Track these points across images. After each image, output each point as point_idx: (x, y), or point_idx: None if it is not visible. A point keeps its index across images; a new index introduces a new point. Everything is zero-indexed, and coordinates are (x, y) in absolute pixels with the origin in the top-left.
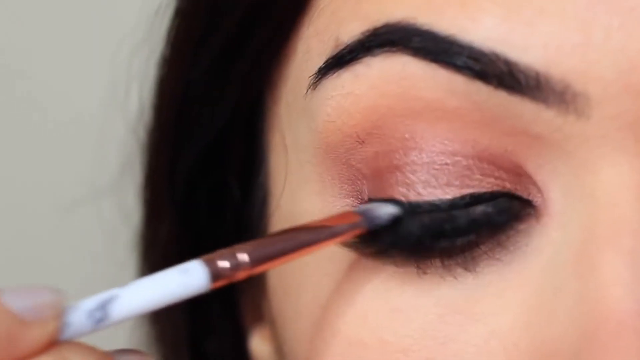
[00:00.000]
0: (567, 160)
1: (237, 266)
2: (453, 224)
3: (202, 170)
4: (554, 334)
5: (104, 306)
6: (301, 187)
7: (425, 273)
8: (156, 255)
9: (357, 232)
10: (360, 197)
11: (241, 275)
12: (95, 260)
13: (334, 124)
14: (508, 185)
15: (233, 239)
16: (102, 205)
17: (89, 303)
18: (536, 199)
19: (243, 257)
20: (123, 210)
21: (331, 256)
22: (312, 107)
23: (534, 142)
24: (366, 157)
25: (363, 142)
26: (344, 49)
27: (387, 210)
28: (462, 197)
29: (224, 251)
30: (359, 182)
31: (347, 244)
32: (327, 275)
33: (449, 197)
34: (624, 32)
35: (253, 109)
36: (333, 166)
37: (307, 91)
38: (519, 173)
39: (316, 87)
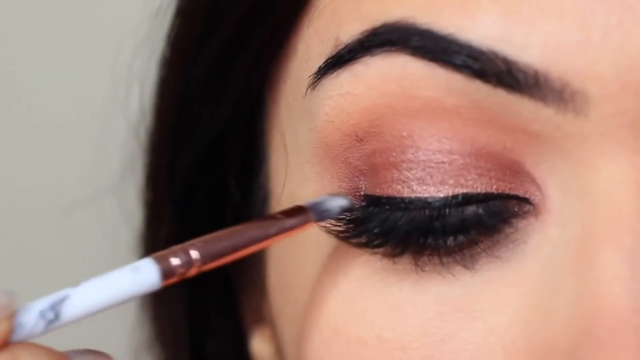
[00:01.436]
0: (566, 158)
1: (188, 263)
2: (443, 221)
3: (202, 170)
4: (552, 331)
5: (54, 306)
6: (301, 186)
7: (423, 270)
8: None
9: (307, 225)
10: (357, 193)
11: (192, 272)
12: (96, 261)
13: (332, 124)
14: (503, 186)
15: None
16: (103, 205)
17: (41, 304)
18: (534, 196)
19: (194, 253)
20: (124, 210)
21: (329, 254)
22: (312, 107)
23: (532, 139)
24: (364, 155)
25: (362, 140)
26: (343, 49)
27: (336, 203)
28: (455, 196)
29: (175, 248)
30: (356, 179)
31: (333, 233)
32: (325, 273)
33: (441, 195)
34: (623, 31)
35: (253, 109)
36: (332, 165)
37: (307, 91)
38: (517, 170)
39: (315, 87)
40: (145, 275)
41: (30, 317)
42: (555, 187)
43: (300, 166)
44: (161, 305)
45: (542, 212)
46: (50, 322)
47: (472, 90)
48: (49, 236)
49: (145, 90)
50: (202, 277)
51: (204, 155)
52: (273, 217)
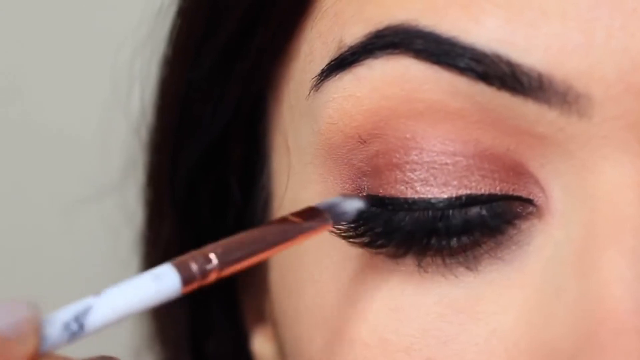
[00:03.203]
0: (569, 160)
1: (207, 269)
2: (446, 222)
3: (204, 170)
4: (555, 332)
5: (78, 318)
6: (304, 188)
7: (426, 272)
8: (158, 255)
9: (324, 228)
10: (360, 194)
11: (212, 277)
12: (98, 260)
13: (335, 126)
14: (507, 187)
15: None
16: (105, 205)
17: (64, 315)
18: (538, 198)
19: (213, 259)
20: (126, 210)
21: (332, 255)
22: (314, 109)
23: (536, 142)
24: (367, 156)
25: (365, 142)
26: (346, 52)
27: (353, 206)
28: (459, 197)
29: (194, 254)
30: (359, 180)
31: (336, 232)
32: (327, 274)
33: (445, 196)
34: (626, 33)
35: (255, 110)
36: (335, 167)
37: (310, 93)
38: (521, 172)
39: (318, 89)
40: (166, 282)
41: (55, 330)
42: (558, 189)
43: (303, 167)
44: (161, 306)
45: (546, 214)
46: (74, 334)
47: (475, 92)
48: (51, 235)
49: (147, 91)
50: None
51: (206, 155)
52: (289, 220)
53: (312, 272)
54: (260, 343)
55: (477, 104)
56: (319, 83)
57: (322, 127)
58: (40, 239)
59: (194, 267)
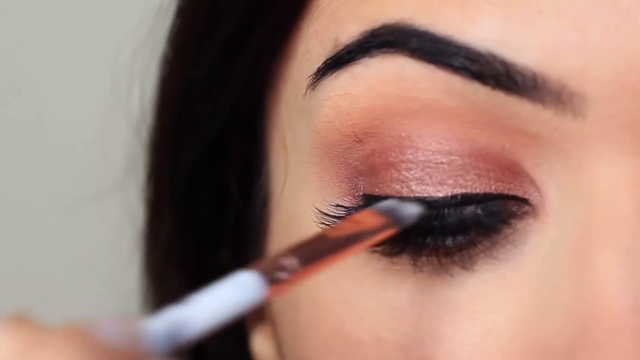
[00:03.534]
0: (564, 160)
1: (284, 275)
2: (442, 221)
3: (203, 170)
4: (550, 331)
5: (178, 331)
6: (301, 187)
7: (421, 271)
8: (158, 254)
9: (389, 233)
10: (356, 193)
11: (289, 282)
12: (99, 259)
13: (332, 124)
14: (502, 186)
15: (234, 239)
16: (107, 204)
17: (162, 329)
18: (533, 197)
19: (289, 264)
20: (127, 209)
21: None
22: (311, 107)
23: (531, 141)
24: (363, 155)
25: (360, 141)
26: (342, 50)
27: (412, 211)
28: (454, 196)
29: (275, 258)
30: (355, 179)
31: None
32: (324, 273)
33: (440, 195)
34: (621, 32)
35: (254, 110)
36: (331, 166)
37: (306, 91)
38: (516, 171)
39: (315, 87)
40: (253, 291)
41: (157, 344)
42: (554, 188)
43: (300, 166)
44: (162, 304)
45: (541, 213)
46: (173, 346)
47: (470, 92)
48: (52, 234)
49: (148, 90)
50: (203, 276)
51: (205, 155)
52: (352, 224)
53: None
54: (260, 343)
55: (472, 103)
56: (315, 81)
57: (319, 125)
58: (41, 237)
59: (277, 273)
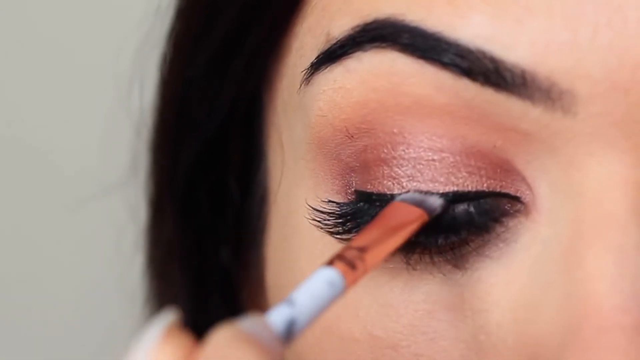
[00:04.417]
0: (555, 157)
1: (358, 266)
2: (434, 219)
3: (202, 168)
4: (541, 329)
5: (289, 330)
6: (296, 183)
7: (414, 269)
8: (161, 252)
9: (422, 220)
10: (348, 190)
11: (359, 271)
12: (102, 257)
13: (325, 118)
14: (494, 184)
15: (233, 237)
16: (110, 203)
17: (283, 328)
18: (525, 195)
19: (356, 254)
20: (130, 208)
21: (322, 252)
22: (305, 102)
23: (522, 138)
24: (356, 151)
25: (352, 136)
26: (335, 44)
27: (437, 202)
28: (446, 194)
29: (344, 252)
30: (347, 176)
31: (324, 229)
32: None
33: (432, 192)
34: (611, 30)
35: (251, 108)
36: (325, 162)
37: (301, 86)
38: (508, 169)
39: (309, 82)
40: (338, 287)
41: (280, 345)
42: (545, 186)
43: (296, 163)
44: (164, 301)
45: (533, 211)
46: (286, 342)
47: (460, 88)
48: (56, 232)
49: (151, 89)
50: (203, 273)
51: (204, 154)
52: (391, 215)
53: (304, 269)
54: None
55: (462, 99)
56: (309, 76)
57: (313, 120)
58: (44, 236)
59: (347, 265)
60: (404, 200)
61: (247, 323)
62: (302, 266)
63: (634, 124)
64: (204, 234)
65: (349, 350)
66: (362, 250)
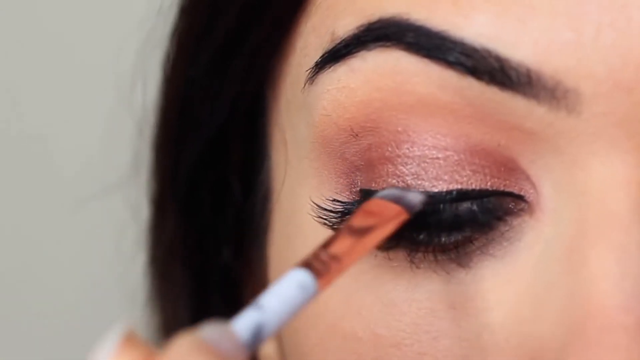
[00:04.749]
0: (559, 156)
1: (328, 269)
2: (437, 217)
3: (205, 168)
4: (543, 329)
5: (256, 336)
6: (300, 182)
7: (418, 268)
8: (162, 251)
9: (402, 220)
10: (353, 189)
11: (334, 272)
12: (104, 256)
13: (329, 118)
14: (498, 183)
15: (236, 237)
16: (112, 202)
17: (249, 334)
18: (529, 194)
19: (330, 257)
20: (132, 207)
21: None
22: (309, 101)
23: (526, 137)
24: (360, 150)
25: (357, 135)
26: (339, 43)
27: (417, 198)
28: (449, 192)
29: (313, 256)
30: (352, 174)
31: (328, 225)
32: None
33: (436, 190)
34: (615, 29)
35: (254, 108)
36: (329, 160)
37: (305, 86)
38: (512, 168)
39: (313, 81)
40: (310, 289)
41: (247, 350)
42: (549, 185)
43: (299, 162)
44: (165, 301)
45: (537, 210)
46: (254, 349)
47: (465, 87)
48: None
49: (153, 87)
50: (205, 273)
51: (206, 152)
52: (369, 212)
53: None
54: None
55: (467, 98)
56: (313, 75)
57: (317, 119)
58: (46, 235)
59: (319, 267)
60: (382, 197)
61: (208, 331)
62: None
63: (637, 124)
64: (206, 233)
65: (352, 349)
66: (337, 250)
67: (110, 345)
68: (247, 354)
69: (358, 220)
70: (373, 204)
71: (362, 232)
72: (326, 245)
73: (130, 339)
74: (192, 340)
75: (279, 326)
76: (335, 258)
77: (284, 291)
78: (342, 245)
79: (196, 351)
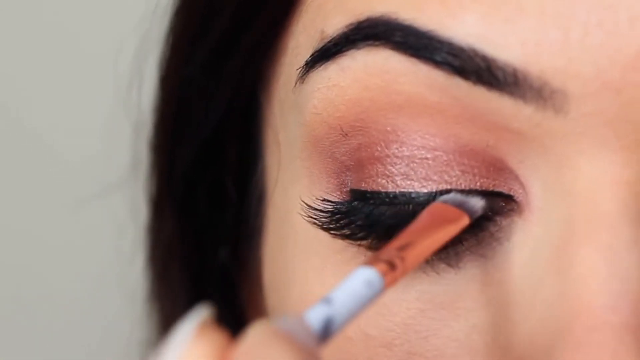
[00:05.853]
0: (547, 156)
1: (396, 267)
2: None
3: (201, 168)
4: (532, 328)
5: (326, 329)
6: (292, 182)
7: None
8: (161, 251)
9: (463, 225)
10: (344, 189)
11: (399, 275)
12: (103, 256)
13: (320, 116)
14: (487, 183)
15: (232, 237)
16: (111, 202)
17: (320, 327)
18: (518, 194)
19: (396, 254)
20: (131, 207)
21: (317, 251)
22: (300, 100)
23: (514, 137)
24: (350, 149)
25: (346, 135)
26: (329, 42)
27: (479, 204)
28: (439, 192)
29: (381, 254)
30: (343, 174)
31: (318, 224)
32: (313, 269)
33: (425, 190)
34: (603, 30)
35: (248, 108)
36: (320, 160)
37: (296, 85)
38: (501, 168)
39: (304, 80)
40: (377, 287)
41: (316, 343)
42: (537, 185)
43: (291, 162)
44: (164, 300)
45: (525, 210)
46: (323, 341)
47: (452, 86)
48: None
49: (152, 88)
50: (203, 273)
51: (202, 153)
52: (432, 215)
53: (299, 266)
54: None
55: (455, 98)
56: (304, 74)
57: (307, 117)
58: (46, 235)
59: (386, 266)
60: (445, 202)
61: (284, 321)
62: (296, 265)
63: (624, 124)
64: (204, 233)
65: (343, 349)
66: (402, 250)
67: (187, 330)
68: (320, 347)
69: (423, 221)
70: (437, 207)
71: (426, 233)
72: (393, 244)
73: (206, 326)
74: (269, 328)
75: (348, 321)
76: (400, 258)
77: (352, 287)
78: (407, 245)
79: (274, 339)
